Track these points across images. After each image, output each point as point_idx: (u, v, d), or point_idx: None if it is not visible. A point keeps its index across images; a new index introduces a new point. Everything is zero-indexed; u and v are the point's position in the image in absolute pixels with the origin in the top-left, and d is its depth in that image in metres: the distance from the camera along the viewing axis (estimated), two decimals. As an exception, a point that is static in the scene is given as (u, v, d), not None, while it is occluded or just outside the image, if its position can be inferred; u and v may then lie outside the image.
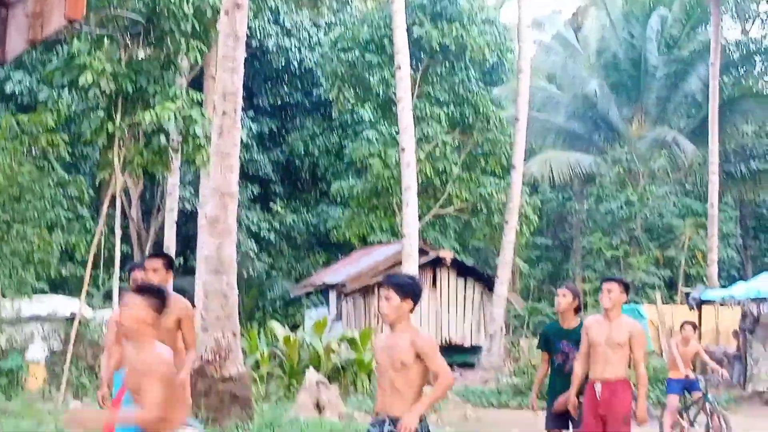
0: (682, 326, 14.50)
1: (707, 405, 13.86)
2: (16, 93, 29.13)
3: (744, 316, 25.08)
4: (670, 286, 32.66)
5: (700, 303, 26.09)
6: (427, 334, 6.04)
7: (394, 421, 5.75)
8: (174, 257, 26.67)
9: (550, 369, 9.36)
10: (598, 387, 8.24)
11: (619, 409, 8.12)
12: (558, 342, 9.28)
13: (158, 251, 7.69)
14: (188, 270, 28.62)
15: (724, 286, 29.97)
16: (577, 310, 9.56)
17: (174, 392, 5.43)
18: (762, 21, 43.26)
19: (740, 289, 26.37)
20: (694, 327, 14.88)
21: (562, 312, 9.02)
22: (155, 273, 7.66)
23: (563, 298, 9.01)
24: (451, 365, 6.71)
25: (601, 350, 8.29)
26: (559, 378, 9.12)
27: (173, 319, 7.45)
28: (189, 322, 7.58)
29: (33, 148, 23.48)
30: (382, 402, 5.88)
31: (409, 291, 5.88)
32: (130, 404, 5.52)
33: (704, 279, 31.67)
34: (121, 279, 20.39)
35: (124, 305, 5.50)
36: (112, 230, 24.56)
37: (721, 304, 26.29)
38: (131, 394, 5.48)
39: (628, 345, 8.24)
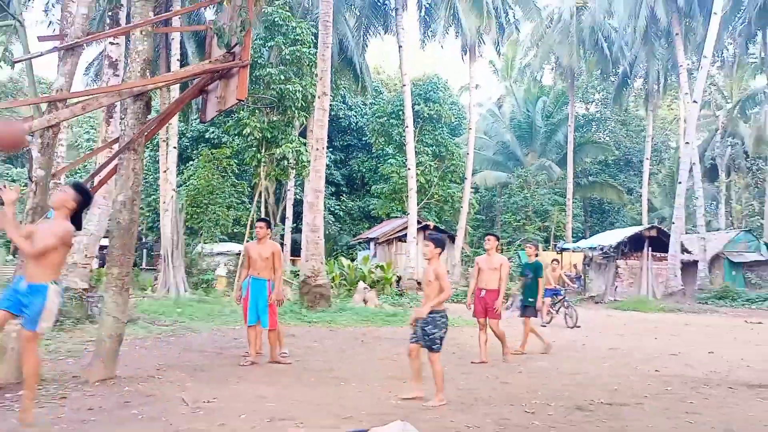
0: (552, 261, 14.41)
1: (565, 302, 13.79)
2: (211, 138, 29.20)
3: (584, 257, 24.92)
4: (546, 241, 32.36)
5: (562, 250, 25.97)
6: (442, 267, 5.73)
7: None
8: (285, 223, 26.92)
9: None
10: (483, 292, 8.12)
11: (492, 304, 8.03)
12: (524, 270, 9.39)
13: (262, 217, 7.55)
14: (298, 230, 28.57)
15: (575, 242, 29.78)
16: (536, 255, 9.39)
17: (65, 247, 4.31)
18: (596, 104, 42.81)
19: (582, 243, 26.29)
20: (558, 262, 14.80)
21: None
22: (260, 229, 7.26)
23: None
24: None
25: (485, 273, 8.13)
26: (526, 288, 9.20)
27: (269, 253, 7.12)
28: (278, 255, 7.21)
29: (218, 167, 23.54)
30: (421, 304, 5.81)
31: (439, 243, 5.73)
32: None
33: (564, 238, 31.43)
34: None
35: (60, 190, 4.44)
36: (258, 209, 24.66)
37: (573, 251, 26.13)
38: (32, 246, 4.19)
39: (500, 269, 8.07)
